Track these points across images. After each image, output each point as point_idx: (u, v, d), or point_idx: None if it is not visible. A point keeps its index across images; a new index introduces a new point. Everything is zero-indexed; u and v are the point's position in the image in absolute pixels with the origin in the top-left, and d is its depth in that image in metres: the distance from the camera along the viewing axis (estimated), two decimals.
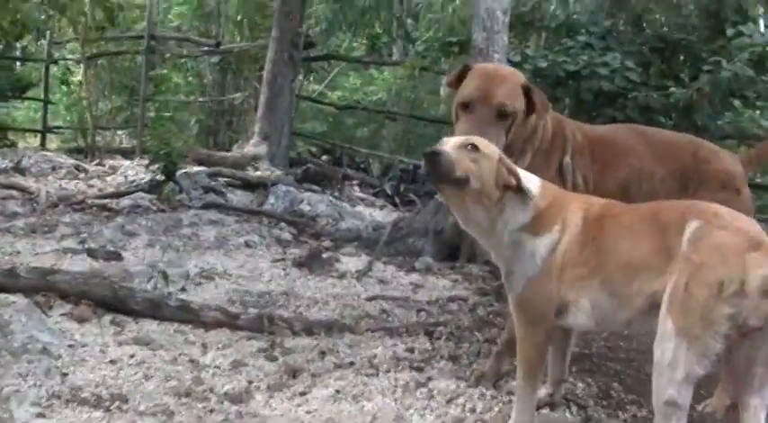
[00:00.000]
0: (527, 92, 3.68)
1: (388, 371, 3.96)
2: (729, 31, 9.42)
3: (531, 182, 3.20)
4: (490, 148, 3.14)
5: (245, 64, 14.34)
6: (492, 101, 3.57)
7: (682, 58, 9.99)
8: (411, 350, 4.32)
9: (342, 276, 6.09)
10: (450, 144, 3.07)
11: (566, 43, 9.94)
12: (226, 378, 3.76)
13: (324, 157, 13.81)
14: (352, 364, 4.04)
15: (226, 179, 9.99)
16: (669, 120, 9.50)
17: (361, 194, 11.31)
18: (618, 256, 2.97)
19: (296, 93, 13.08)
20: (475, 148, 3.05)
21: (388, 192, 11.75)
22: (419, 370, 4.00)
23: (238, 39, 15.17)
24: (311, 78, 16.47)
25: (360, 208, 9.97)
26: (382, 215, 9.76)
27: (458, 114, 3.67)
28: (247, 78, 14.43)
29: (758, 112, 10.64)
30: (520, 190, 3.12)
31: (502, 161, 3.12)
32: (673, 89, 9.11)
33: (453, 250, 7.14)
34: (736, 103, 9.91)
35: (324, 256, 6.48)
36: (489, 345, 4.44)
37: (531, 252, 3.11)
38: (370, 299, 5.42)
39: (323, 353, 4.17)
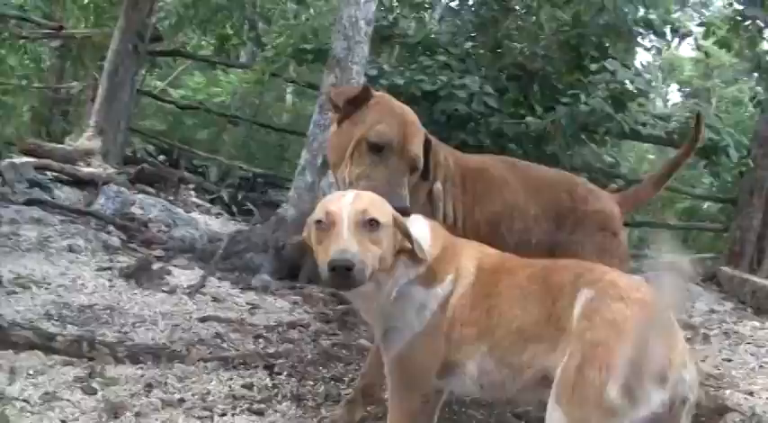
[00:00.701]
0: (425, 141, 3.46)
1: (223, 414, 3.59)
2: (593, 66, 9.55)
3: (422, 230, 2.95)
4: (387, 214, 2.79)
5: (88, 52, 13.60)
6: (409, 153, 3.28)
7: (538, 87, 10.03)
8: (249, 386, 3.96)
9: (172, 291, 5.67)
10: (349, 227, 2.64)
11: (423, 62, 9.82)
12: (36, 417, 3.29)
13: (161, 158, 13.24)
14: (182, 401, 3.65)
15: (54, 174, 9.27)
16: (520, 148, 9.55)
17: (196, 200, 10.85)
18: (509, 320, 2.70)
19: (137, 87, 12.50)
20: (374, 223, 2.68)
21: (226, 199, 11.38)
22: (259, 414, 3.65)
23: (83, 25, 14.36)
24: (154, 73, 15.83)
25: (195, 214, 9.51)
26: (218, 224, 9.35)
27: (360, 152, 3.29)
28: (88, 67, 13.70)
29: (603, 147, 10.91)
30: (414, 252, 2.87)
31: (397, 225, 2.81)
32: (529, 118, 9.16)
33: (293, 269, 6.84)
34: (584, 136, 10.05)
35: (154, 267, 6.03)
36: (336, 384, 4.17)
37: (420, 305, 2.83)
38: (203, 320, 5.04)
39: (149, 386, 3.76)
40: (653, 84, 9.69)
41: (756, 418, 5.03)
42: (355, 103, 3.37)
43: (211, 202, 11.13)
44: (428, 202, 3.57)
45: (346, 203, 2.70)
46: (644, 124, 9.86)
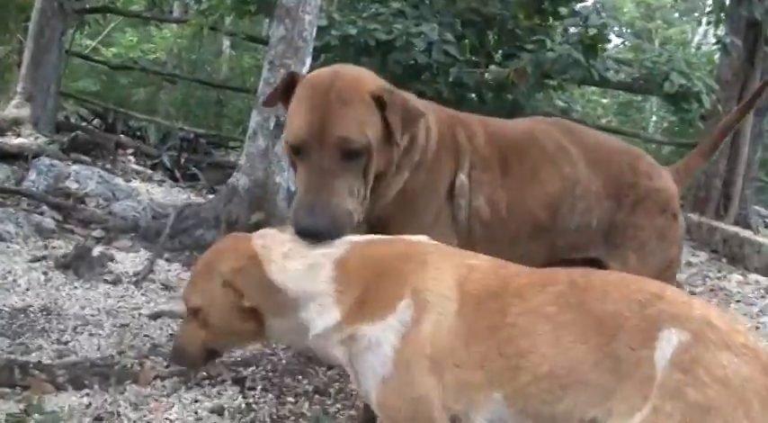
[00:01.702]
0: (380, 105, 2.62)
1: None
2: (563, 10, 8.99)
3: (309, 259, 2.32)
4: (198, 292, 2.42)
5: (11, 13, 12.61)
6: (329, 139, 2.53)
7: (496, 33, 9.46)
8: (219, 411, 3.32)
9: (117, 281, 5.03)
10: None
11: (376, 9, 9.14)
12: None
13: (95, 122, 12.42)
14: None
15: None
16: (479, 97, 9.01)
17: (136, 167, 10.07)
18: (535, 362, 2.05)
19: (66, 48, 11.62)
20: (194, 309, 2.42)
21: (168, 164, 10.64)
22: None
23: None
24: (84, 32, 14.87)
25: (135, 183, 8.79)
26: (162, 193, 8.64)
27: (292, 159, 2.68)
28: (12, 30, 12.74)
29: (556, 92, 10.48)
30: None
31: (227, 282, 2.33)
32: (492, 67, 8.60)
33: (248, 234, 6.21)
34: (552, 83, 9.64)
35: (94, 253, 5.32)
36: (321, 399, 3.56)
37: (372, 343, 2.18)
38: (155, 316, 4.42)
39: (99, 420, 3.11)
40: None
41: None
42: (285, 96, 2.72)
43: (152, 167, 10.39)
44: (447, 202, 2.92)
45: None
46: (607, 69, 9.36)
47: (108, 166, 9.27)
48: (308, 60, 6.61)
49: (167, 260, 5.67)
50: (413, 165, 2.82)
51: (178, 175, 10.31)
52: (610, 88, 12.58)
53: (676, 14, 30.07)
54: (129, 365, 3.65)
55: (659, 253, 3.21)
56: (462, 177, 2.94)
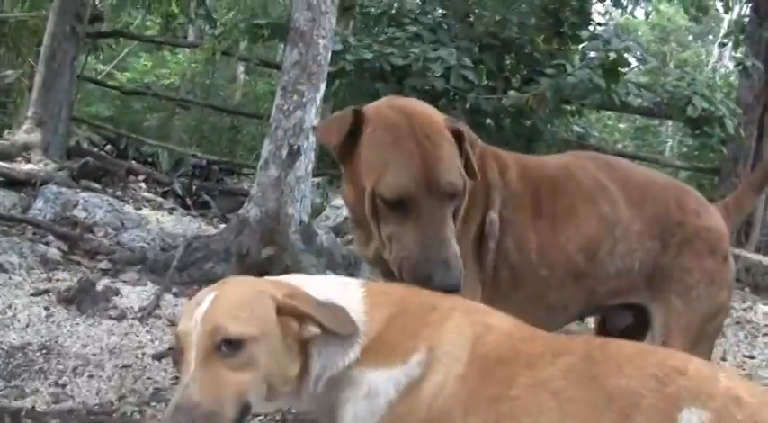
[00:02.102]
0: (458, 139, 2.46)
1: None
2: (584, 33, 8.82)
3: (349, 296, 2.05)
4: (255, 319, 1.91)
5: (23, 37, 12.54)
6: (439, 187, 2.33)
7: (514, 58, 9.30)
8: None
9: (121, 317, 4.83)
10: (198, 359, 1.85)
11: (392, 33, 8.98)
12: None
13: (107, 148, 12.29)
14: None
15: None
16: (497, 124, 8.84)
17: (147, 194, 9.91)
18: None
19: (78, 73, 11.54)
20: (231, 344, 1.86)
21: (179, 191, 10.47)
22: None
23: (17, 8, 13.27)
24: (99, 57, 14.80)
25: (146, 211, 8.62)
26: (172, 222, 8.45)
27: (379, 208, 2.37)
28: (24, 54, 12.66)
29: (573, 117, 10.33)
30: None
31: (284, 308, 1.94)
32: (511, 92, 8.44)
33: (260, 276, 5.99)
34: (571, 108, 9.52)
35: (98, 287, 5.13)
36: None
37: (369, 391, 1.92)
38: (159, 356, 4.22)
39: None
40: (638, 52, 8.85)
41: None
42: (351, 138, 2.44)
43: (163, 195, 10.22)
44: (474, 244, 2.68)
45: (195, 323, 1.89)
46: (628, 94, 9.17)
47: (118, 193, 9.12)
48: (323, 86, 6.44)
49: (175, 294, 5.47)
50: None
51: (189, 202, 10.14)
52: (630, 113, 12.39)
53: (690, 37, 29.91)
54: (128, 413, 3.43)
55: (707, 298, 2.95)
56: (493, 216, 2.71)
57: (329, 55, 6.46)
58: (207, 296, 1.94)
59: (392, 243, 2.33)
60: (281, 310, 1.93)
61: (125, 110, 13.82)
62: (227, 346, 1.85)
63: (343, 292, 2.05)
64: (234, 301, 1.93)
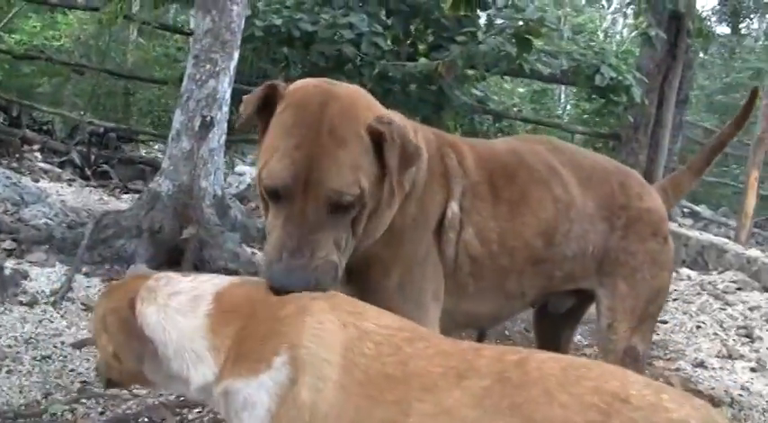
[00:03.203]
0: (377, 139, 2.17)
1: None
2: (494, 1, 8.74)
3: (194, 318, 1.89)
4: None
5: None
6: (317, 190, 2.07)
7: (421, 23, 9.21)
8: None
9: (33, 302, 4.56)
10: None
11: None
12: None
13: None
14: None
15: None
16: (403, 91, 8.79)
17: (44, 165, 9.52)
18: None
19: None
20: None
21: (77, 161, 10.09)
22: None
23: None
24: None
25: (44, 184, 8.27)
26: (73, 195, 8.13)
27: (265, 203, 2.18)
28: None
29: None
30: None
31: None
32: (422, 60, 8.34)
33: (174, 254, 5.76)
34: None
35: (6, 271, 4.81)
36: None
37: (245, 403, 1.76)
38: (79, 345, 3.99)
39: None
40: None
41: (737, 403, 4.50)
42: (266, 112, 2.22)
43: (61, 165, 9.84)
44: (435, 237, 2.52)
45: None
46: (537, 61, 9.20)
47: (14, 164, 8.68)
48: (237, 54, 6.21)
49: (86, 275, 5.21)
50: (402, 198, 2.39)
51: (88, 172, 9.78)
52: (540, 81, 12.45)
53: (584, 1, 30.41)
54: (59, 413, 3.21)
55: (650, 280, 2.95)
56: (454, 207, 2.56)
57: (243, 22, 6.23)
58: None
59: (270, 237, 2.13)
60: (99, 321, 1.99)
61: (14, 75, 13.14)
62: None
63: (191, 310, 1.91)
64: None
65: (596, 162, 3.04)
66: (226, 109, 6.17)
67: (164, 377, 1.93)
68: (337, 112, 2.14)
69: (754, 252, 8.54)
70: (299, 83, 2.27)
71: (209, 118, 6.02)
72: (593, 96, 10.06)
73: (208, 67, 6.02)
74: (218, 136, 6.11)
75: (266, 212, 2.19)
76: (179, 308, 1.90)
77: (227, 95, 6.16)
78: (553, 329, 3.37)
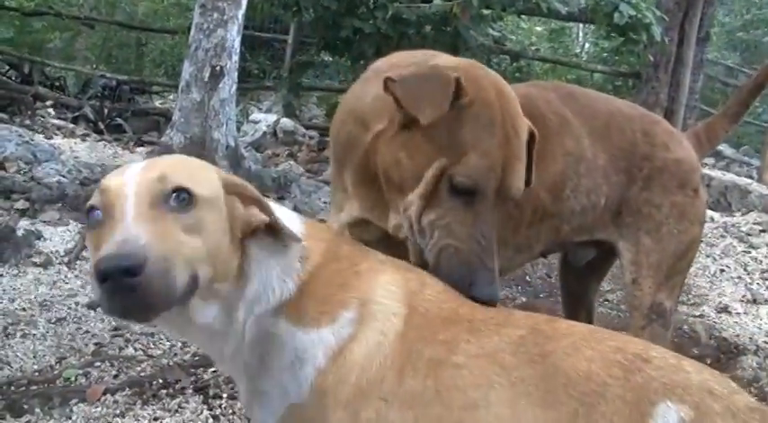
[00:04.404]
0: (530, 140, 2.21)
1: None
2: None
3: (291, 220, 1.79)
4: (207, 181, 1.64)
5: None
6: (509, 193, 2.09)
7: None
8: None
9: (47, 263, 4.49)
10: (137, 206, 1.49)
11: None
12: None
13: (9, 73, 11.58)
14: None
15: None
16: (418, 33, 8.60)
17: (57, 121, 9.37)
18: (486, 420, 1.60)
19: None
20: (184, 197, 1.54)
21: (90, 115, 9.98)
22: None
23: None
24: None
25: (58, 140, 8.13)
26: (87, 150, 8.00)
27: (440, 188, 2.03)
28: None
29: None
30: (275, 232, 1.71)
31: (228, 185, 1.69)
32: (438, 0, 8.17)
33: None
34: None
35: (19, 232, 4.76)
36: None
37: (294, 356, 1.68)
38: (94, 305, 3.92)
39: None
40: None
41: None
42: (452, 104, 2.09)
43: (74, 120, 9.72)
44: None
45: (133, 173, 1.58)
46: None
47: (27, 122, 8.59)
48: (244, 1, 6.07)
49: None
50: None
51: (102, 126, 9.68)
52: (558, 20, 12.19)
53: None
54: (72, 378, 3.16)
55: (677, 234, 2.81)
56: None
57: None
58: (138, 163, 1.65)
59: (436, 228, 2.02)
60: (226, 188, 1.68)
61: (25, 32, 13.00)
62: (178, 199, 1.53)
63: (282, 212, 1.81)
64: (179, 161, 1.69)
65: (617, 109, 2.89)
66: (236, 58, 6.05)
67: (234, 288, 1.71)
68: (513, 111, 2.12)
69: None
70: (469, 75, 2.11)
71: (218, 68, 5.92)
72: (612, 35, 9.81)
73: (215, 15, 5.90)
74: (228, 86, 6.01)
75: (423, 204, 2.05)
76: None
77: (237, 44, 6.04)
78: (578, 281, 3.29)
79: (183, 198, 1.54)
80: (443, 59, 2.24)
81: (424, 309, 1.74)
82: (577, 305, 3.39)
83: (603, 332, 1.73)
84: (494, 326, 1.72)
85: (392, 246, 2.12)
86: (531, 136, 2.18)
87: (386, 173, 2.11)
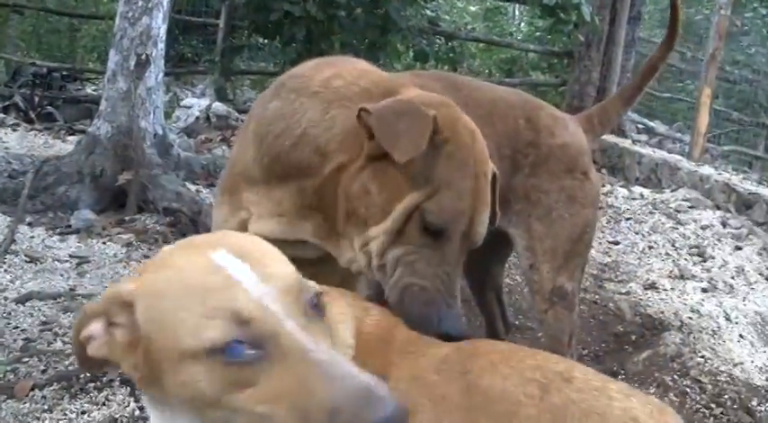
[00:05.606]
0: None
1: None
2: None
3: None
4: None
5: None
6: (474, 236, 2.08)
7: None
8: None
9: None
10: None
11: None
12: None
13: None
14: None
15: None
16: (349, 15, 8.60)
17: None
18: None
19: None
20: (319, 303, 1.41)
21: (20, 104, 9.83)
22: None
23: None
24: None
25: None
26: (17, 140, 7.90)
27: (410, 225, 2.00)
28: None
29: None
30: None
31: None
32: None
33: (117, 197, 5.69)
34: None
35: None
36: None
37: None
38: (22, 299, 3.91)
39: None
40: None
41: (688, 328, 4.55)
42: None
43: (4, 110, 9.58)
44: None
45: (255, 280, 1.31)
46: None
47: None
48: None
49: (30, 225, 5.11)
50: None
51: (33, 115, 9.55)
52: None
53: None
54: (1, 375, 3.15)
55: (570, 218, 2.89)
56: None
57: None
58: (215, 255, 1.35)
59: (400, 265, 2.00)
60: None
61: None
62: (316, 307, 1.38)
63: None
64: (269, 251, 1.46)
65: (499, 97, 2.95)
66: (162, 46, 6.02)
67: None
68: (484, 156, 2.14)
69: (706, 169, 8.57)
70: (445, 113, 2.11)
71: (144, 56, 5.88)
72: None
73: (140, 3, 5.86)
74: (155, 74, 5.98)
75: (387, 231, 2.03)
76: None
77: (163, 32, 6.01)
78: (479, 267, 3.34)
79: (319, 305, 1.40)
80: (410, 91, 2.23)
81: (369, 333, 1.73)
82: (484, 289, 3.48)
83: (527, 351, 1.71)
84: (422, 344, 1.74)
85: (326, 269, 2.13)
86: (494, 177, 2.20)
87: (349, 205, 2.08)
